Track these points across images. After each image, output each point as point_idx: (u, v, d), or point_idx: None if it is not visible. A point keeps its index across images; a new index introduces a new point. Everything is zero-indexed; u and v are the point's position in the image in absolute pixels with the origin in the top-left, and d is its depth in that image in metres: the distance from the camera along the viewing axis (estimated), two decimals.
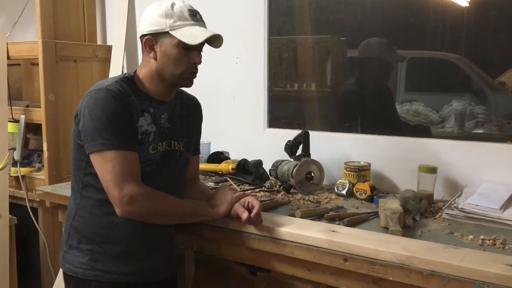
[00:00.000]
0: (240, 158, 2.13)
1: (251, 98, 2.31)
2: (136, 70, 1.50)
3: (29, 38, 2.92)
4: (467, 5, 1.81)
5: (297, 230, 1.35)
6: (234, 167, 2.06)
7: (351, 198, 1.80)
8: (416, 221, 1.50)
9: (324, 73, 2.26)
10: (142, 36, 1.44)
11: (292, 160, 1.94)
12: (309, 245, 1.30)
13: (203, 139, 2.33)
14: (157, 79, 1.45)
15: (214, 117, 2.41)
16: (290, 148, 1.96)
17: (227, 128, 2.38)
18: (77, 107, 1.41)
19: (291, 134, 2.00)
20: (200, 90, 2.42)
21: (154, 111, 1.46)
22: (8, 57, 2.57)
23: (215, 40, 1.45)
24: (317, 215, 1.55)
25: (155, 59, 1.43)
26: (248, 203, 1.46)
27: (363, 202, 1.75)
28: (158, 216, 1.41)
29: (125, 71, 2.70)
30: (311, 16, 2.20)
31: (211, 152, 2.29)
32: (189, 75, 1.46)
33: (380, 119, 2.05)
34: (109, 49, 2.71)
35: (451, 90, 1.92)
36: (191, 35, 1.38)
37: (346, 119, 2.17)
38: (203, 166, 2.14)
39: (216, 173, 2.11)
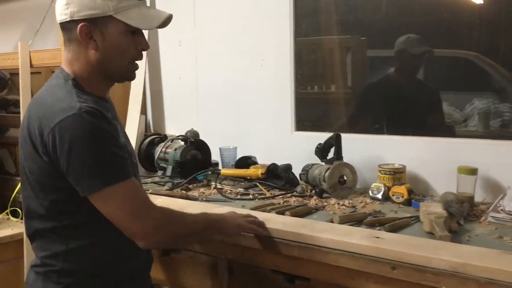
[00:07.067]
0: (266, 163, 2.09)
1: (277, 100, 2.26)
2: (63, 70, 1.24)
3: (48, 46, 2.90)
4: (482, 2, 1.77)
5: (339, 237, 1.30)
6: (263, 172, 2.01)
7: (387, 202, 1.75)
8: (460, 225, 1.44)
9: (352, 73, 2.22)
10: (72, 23, 1.18)
11: (323, 163, 1.89)
12: (354, 253, 1.25)
13: (229, 144, 2.31)
14: (98, 74, 1.23)
15: (240, 121, 2.38)
16: (321, 151, 1.91)
17: (253, 132, 2.34)
18: (39, 136, 1.14)
19: (319, 137, 1.96)
20: (225, 93, 2.43)
21: (111, 114, 1.27)
22: (31, 65, 2.56)
23: (167, 21, 1.27)
24: (355, 221, 1.50)
25: (96, 49, 1.20)
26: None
27: (401, 206, 1.69)
28: (182, 237, 1.32)
29: (147, 77, 2.68)
30: (338, 16, 2.16)
31: (238, 157, 2.25)
32: (135, 66, 1.28)
33: (412, 120, 2.00)
34: None
35: (471, 89, 1.88)
36: (143, 18, 1.21)
37: (375, 120, 2.12)
38: (231, 171, 2.11)
39: (244, 178, 2.07)
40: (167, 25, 1.29)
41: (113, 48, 1.21)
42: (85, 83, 1.23)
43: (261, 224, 1.43)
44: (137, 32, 1.25)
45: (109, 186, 1.12)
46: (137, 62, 1.29)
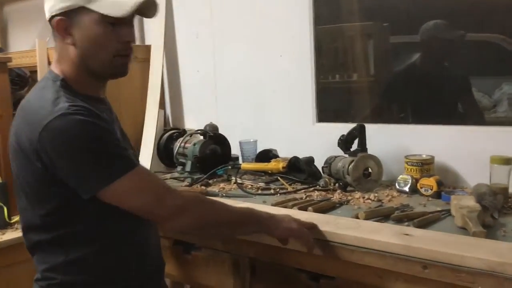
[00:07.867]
0: (288, 156, 2.03)
1: (298, 92, 2.19)
2: (51, 71, 1.18)
3: None
4: None
5: (366, 234, 1.24)
6: (284, 165, 1.95)
7: (415, 195, 1.67)
8: (495, 219, 1.36)
9: (375, 61, 2.13)
10: (51, 18, 1.14)
11: (346, 156, 1.82)
12: (382, 251, 1.19)
13: (249, 137, 2.26)
14: (83, 70, 1.16)
15: (259, 113, 2.33)
16: (344, 143, 1.85)
17: (274, 124, 2.28)
18: (28, 143, 1.07)
19: (341, 127, 1.89)
20: (244, 85, 2.37)
21: (106, 115, 1.20)
22: (49, 63, 2.55)
23: (150, 8, 1.16)
24: (382, 216, 1.43)
25: (74, 44, 1.13)
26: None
27: (430, 199, 1.61)
28: (214, 225, 1.23)
29: (165, 71, 2.64)
30: (359, 2, 2.07)
31: (258, 150, 2.19)
32: (123, 59, 1.17)
33: (439, 108, 1.91)
34: (148, 49, 2.63)
35: (499, 73, 1.78)
36: (114, 5, 1.10)
37: (400, 110, 2.04)
38: (251, 165, 2.05)
39: (265, 172, 2.01)
40: (153, 13, 1.19)
41: (91, 42, 1.13)
42: (74, 83, 1.16)
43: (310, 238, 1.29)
44: (118, 23, 1.14)
45: (119, 178, 1.05)
46: (127, 55, 1.19)
